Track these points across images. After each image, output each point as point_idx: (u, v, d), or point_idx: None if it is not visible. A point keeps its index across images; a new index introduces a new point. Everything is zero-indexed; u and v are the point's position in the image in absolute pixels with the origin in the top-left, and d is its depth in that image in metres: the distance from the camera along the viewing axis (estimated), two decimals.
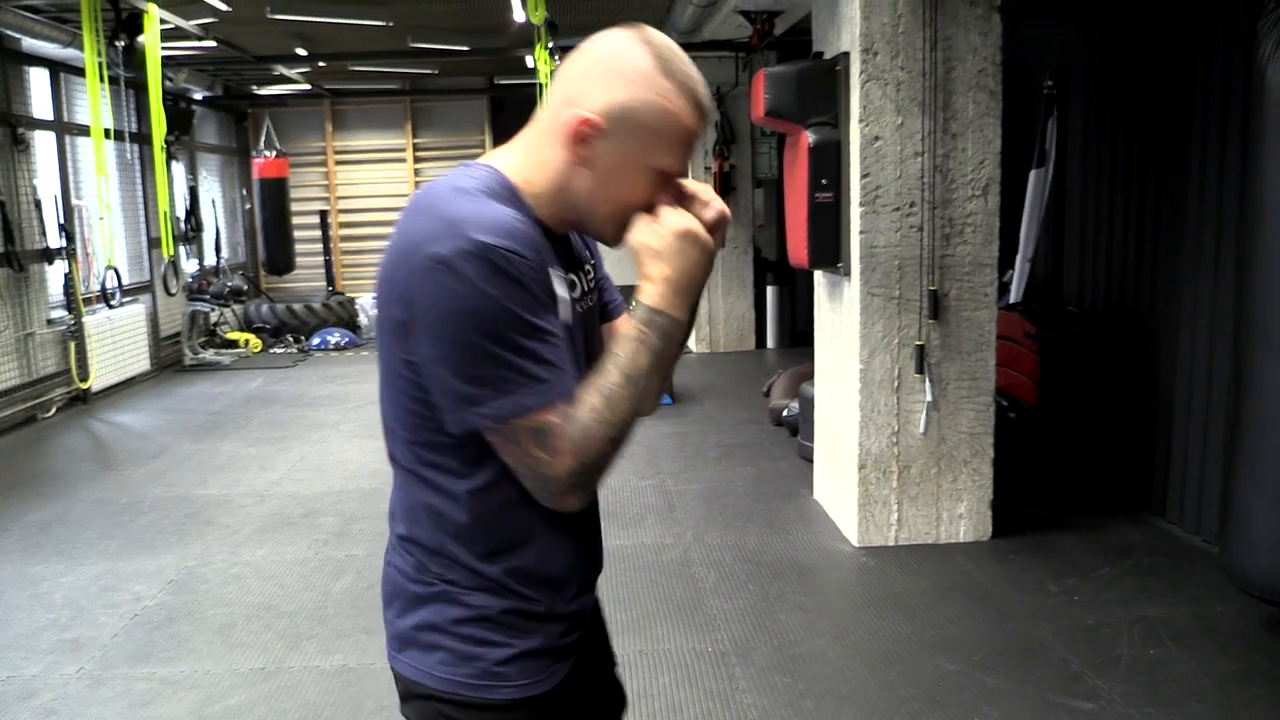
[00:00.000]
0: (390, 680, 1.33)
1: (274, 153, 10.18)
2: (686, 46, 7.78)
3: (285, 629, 3.53)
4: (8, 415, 6.65)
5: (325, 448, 6.04)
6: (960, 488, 4.09)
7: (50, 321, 7.21)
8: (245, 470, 5.58)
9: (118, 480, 5.46)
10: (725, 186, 8.67)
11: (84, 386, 7.35)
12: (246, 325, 10.15)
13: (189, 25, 6.62)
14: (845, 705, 2.91)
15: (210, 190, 10.43)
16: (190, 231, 9.65)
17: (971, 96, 3.90)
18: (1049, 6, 5.29)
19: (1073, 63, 5.09)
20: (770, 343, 9.16)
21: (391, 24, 7.31)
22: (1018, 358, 4.85)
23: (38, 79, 7.38)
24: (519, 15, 6.52)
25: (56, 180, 7.45)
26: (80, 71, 6.95)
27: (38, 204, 7.03)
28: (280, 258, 10.37)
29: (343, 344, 9.99)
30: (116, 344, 7.83)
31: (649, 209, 1.21)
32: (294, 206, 10.58)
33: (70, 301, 7.30)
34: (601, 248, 1.36)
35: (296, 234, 10.59)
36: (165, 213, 6.38)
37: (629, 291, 1.25)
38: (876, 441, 4.05)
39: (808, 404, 5.12)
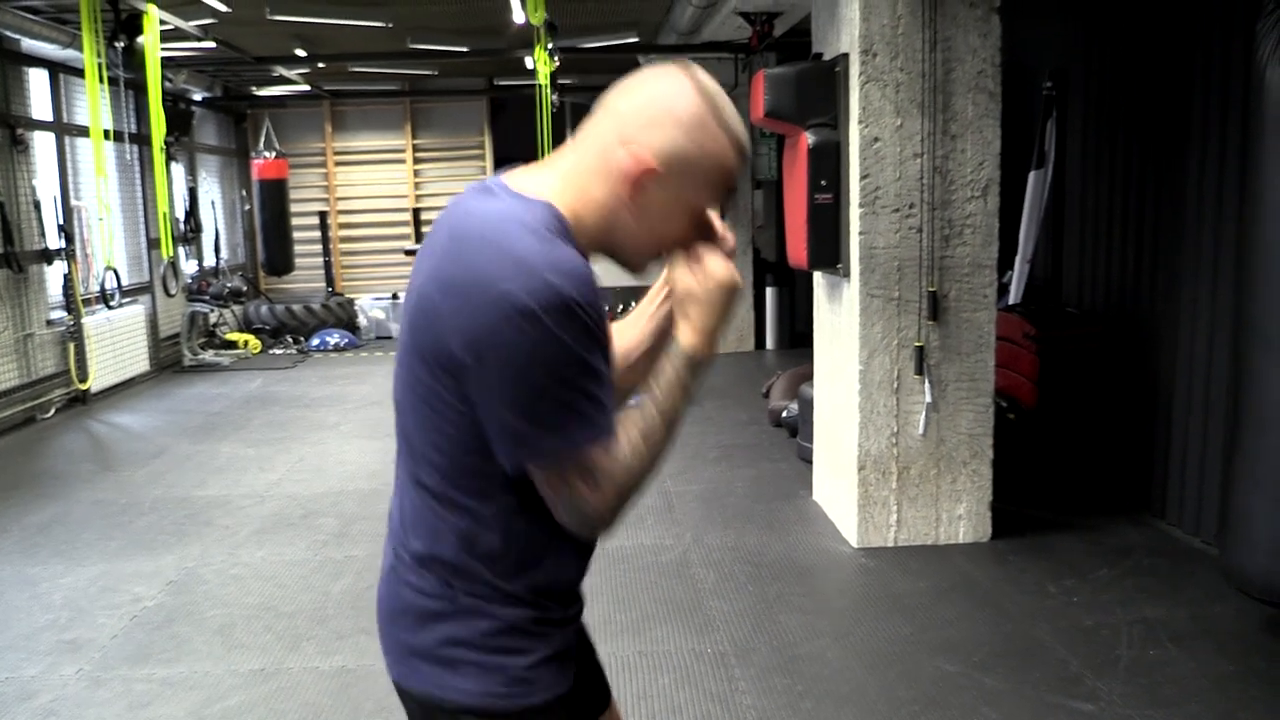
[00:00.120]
0: (390, 682, 1.32)
1: (273, 154, 10.19)
2: (686, 48, 7.84)
3: (284, 630, 3.53)
4: (7, 416, 6.64)
5: (324, 449, 6.04)
6: (959, 489, 4.09)
7: (49, 322, 7.20)
8: (244, 471, 5.57)
9: (117, 481, 5.46)
10: None
11: (83, 387, 7.35)
12: (246, 326, 10.15)
13: (188, 26, 6.62)
14: (844, 706, 2.91)
15: (210, 191, 10.43)
16: (189, 232, 9.65)
17: (971, 98, 3.91)
18: (1048, 8, 5.29)
19: (1072, 64, 5.09)
20: (769, 344, 9.16)
21: (391, 25, 7.32)
22: (1017, 359, 4.85)
23: (37, 80, 7.38)
24: (518, 16, 6.52)
25: (56, 181, 7.45)
26: (80, 72, 6.96)
27: (37, 205, 7.03)
28: (279, 259, 10.37)
29: (342, 345, 10.00)
30: (116, 345, 7.83)
31: (684, 244, 1.25)
32: (293, 207, 10.59)
33: (69, 302, 7.29)
34: None
35: (296, 235, 10.59)
36: (164, 214, 6.37)
37: (617, 293, 1.28)
38: (876, 442, 4.05)
39: (807, 405, 5.12)
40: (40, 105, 7.40)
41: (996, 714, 2.84)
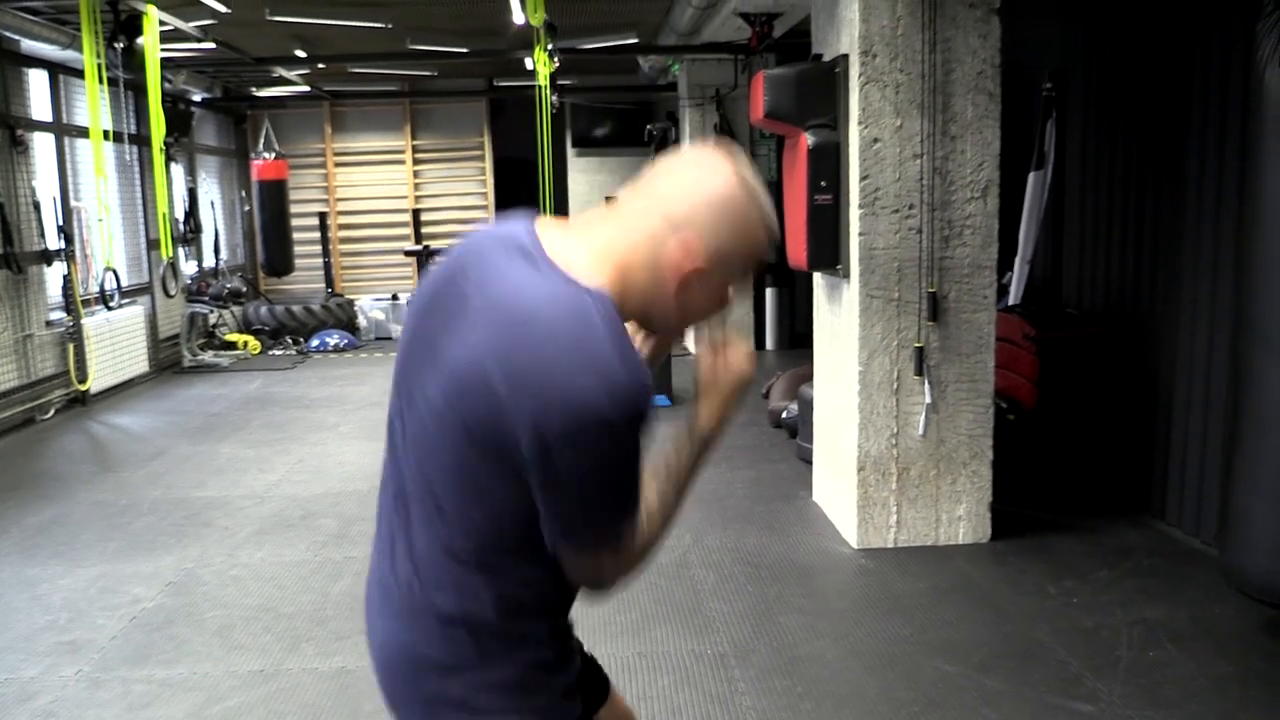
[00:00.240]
0: None
1: (273, 154, 10.18)
2: (686, 48, 7.84)
3: (284, 631, 3.53)
4: (6, 417, 6.64)
5: (324, 449, 6.04)
6: (959, 490, 4.09)
7: (49, 323, 7.20)
8: (244, 472, 5.57)
9: (116, 482, 5.46)
10: None
11: (83, 388, 7.35)
12: (245, 327, 10.14)
13: (188, 27, 6.61)
14: (844, 707, 2.91)
15: (209, 192, 10.43)
16: (189, 233, 9.64)
17: (970, 99, 3.91)
18: (1048, 8, 5.29)
19: (1072, 64, 5.09)
20: (769, 344, 9.16)
21: (390, 26, 7.32)
22: (1017, 360, 4.85)
23: (37, 80, 7.38)
24: (518, 17, 6.51)
25: (55, 182, 7.45)
26: (79, 73, 6.96)
27: (36, 206, 7.03)
28: (279, 259, 10.37)
29: (341, 346, 9.99)
30: (115, 346, 7.83)
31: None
32: (293, 208, 10.58)
33: (69, 303, 7.29)
34: None
35: (295, 236, 10.59)
36: (164, 214, 6.37)
37: None
38: (876, 443, 4.05)
39: (807, 406, 5.11)
40: (40, 106, 7.40)
41: (996, 715, 2.84)
